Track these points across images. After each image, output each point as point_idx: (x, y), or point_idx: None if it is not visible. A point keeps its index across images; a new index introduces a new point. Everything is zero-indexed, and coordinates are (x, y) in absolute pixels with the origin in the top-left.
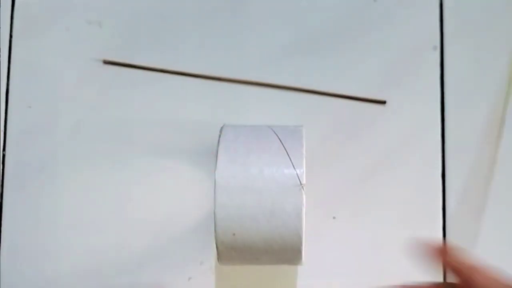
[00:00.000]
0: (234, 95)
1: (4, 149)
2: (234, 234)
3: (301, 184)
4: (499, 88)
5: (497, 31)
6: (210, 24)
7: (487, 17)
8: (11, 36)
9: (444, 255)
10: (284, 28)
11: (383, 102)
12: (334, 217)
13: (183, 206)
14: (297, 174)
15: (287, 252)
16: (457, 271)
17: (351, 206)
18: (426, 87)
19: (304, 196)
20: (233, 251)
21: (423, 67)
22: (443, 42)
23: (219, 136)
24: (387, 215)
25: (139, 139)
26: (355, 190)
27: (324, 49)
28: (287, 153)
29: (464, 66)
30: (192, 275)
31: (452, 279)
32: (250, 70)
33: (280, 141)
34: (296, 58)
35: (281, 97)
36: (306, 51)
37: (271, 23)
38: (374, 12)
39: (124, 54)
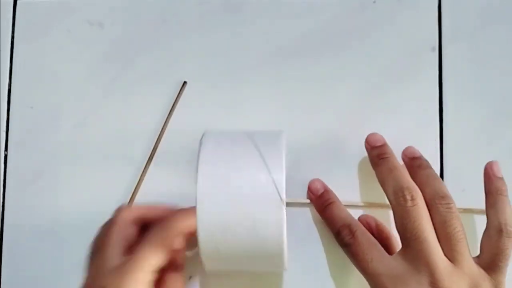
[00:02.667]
0: (232, 98)
1: (6, 149)
2: (218, 249)
3: (281, 198)
4: (497, 89)
5: (495, 32)
6: (210, 25)
7: (485, 18)
8: (13, 37)
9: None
10: (282, 28)
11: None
12: None
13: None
14: (277, 189)
15: (270, 262)
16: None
17: (350, 205)
18: (424, 88)
19: (284, 210)
20: (217, 262)
21: (421, 68)
22: (441, 43)
23: (199, 146)
24: (386, 215)
25: (140, 140)
26: (354, 191)
27: (323, 49)
28: (267, 167)
29: (462, 67)
30: (192, 273)
31: None
32: (249, 71)
33: (260, 153)
34: (294, 59)
35: (278, 97)
36: (304, 52)
37: (269, 24)
38: (373, 13)
39: (125, 56)
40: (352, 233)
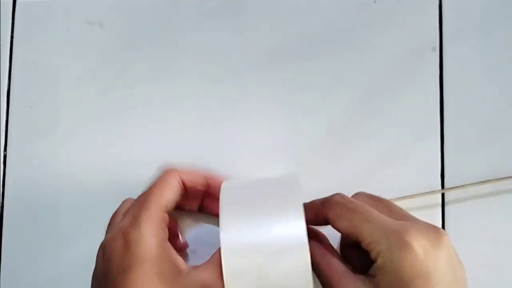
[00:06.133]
0: (232, 98)
1: (5, 150)
2: None
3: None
4: (498, 88)
5: (496, 31)
6: (210, 25)
7: (486, 18)
8: (12, 36)
9: None
10: (282, 28)
11: None
12: None
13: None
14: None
15: None
16: None
17: None
18: (425, 88)
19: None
20: None
21: (422, 68)
22: (442, 43)
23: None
24: None
25: (140, 140)
26: (353, 191)
27: (323, 49)
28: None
29: (463, 67)
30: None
31: None
32: (250, 71)
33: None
34: (294, 59)
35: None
36: (305, 52)
37: (269, 24)
38: (374, 13)
39: (125, 55)
40: None
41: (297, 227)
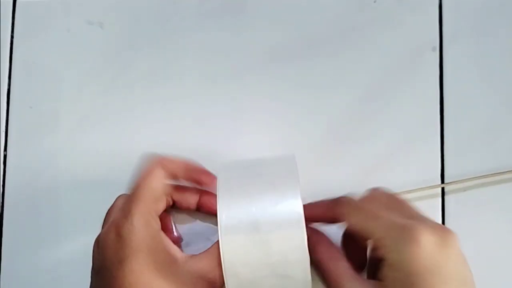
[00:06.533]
0: (232, 98)
1: (5, 149)
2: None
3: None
4: (498, 88)
5: (496, 31)
6: (210, 25)
7: (486, 18)
8: (12, 36)
9: None
10: (282, 28)
11: None
12: None
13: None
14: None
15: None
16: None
17: None
18: (425, 88)
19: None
20: None
21: (422, 68)
22: (442, 43)
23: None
24: None
25: (140, 140)
26: (354, 190)
27: (323, 49)
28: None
29: (463, 67)
30: None
31: None
32: (250, 71)
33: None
34: (294, 59)
35: (278, 95)
36: (305, 52)
37: (269, 24)
38: (374, 13)
39: (125, 55)
40: None
41: (294, 204)
